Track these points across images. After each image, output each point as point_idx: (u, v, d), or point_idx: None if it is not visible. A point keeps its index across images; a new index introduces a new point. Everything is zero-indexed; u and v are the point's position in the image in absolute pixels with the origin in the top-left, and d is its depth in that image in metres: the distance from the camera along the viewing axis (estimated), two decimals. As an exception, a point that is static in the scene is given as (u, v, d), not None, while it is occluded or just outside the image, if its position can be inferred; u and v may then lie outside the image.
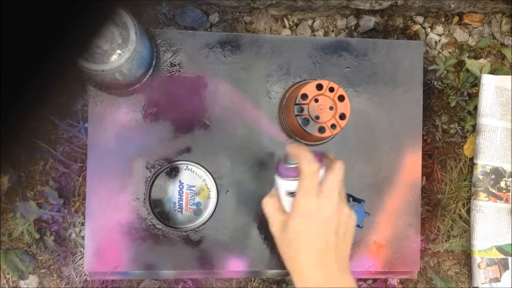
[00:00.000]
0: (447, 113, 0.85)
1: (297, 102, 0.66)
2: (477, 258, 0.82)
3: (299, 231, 0.55)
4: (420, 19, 0.85)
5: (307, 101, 0.67)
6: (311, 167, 0.55)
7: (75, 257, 0.77)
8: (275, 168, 0.60)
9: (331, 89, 0.67)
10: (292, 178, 0.57)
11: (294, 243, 0.55)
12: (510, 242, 0.82)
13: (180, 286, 0.77)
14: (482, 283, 0.82)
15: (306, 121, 0.67)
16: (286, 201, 0.58)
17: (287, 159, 0.59)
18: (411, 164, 0.78)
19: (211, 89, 0.75)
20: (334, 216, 0.55)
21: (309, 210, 0.55)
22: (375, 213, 0.77)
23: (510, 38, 0.87)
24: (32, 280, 0.77)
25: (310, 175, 0.55)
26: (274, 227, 0.58)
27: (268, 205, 0.59)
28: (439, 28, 0.86)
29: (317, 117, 0.67)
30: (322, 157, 0.59)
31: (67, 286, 0.77)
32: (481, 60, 0.86)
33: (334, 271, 0.55)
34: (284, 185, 0.58)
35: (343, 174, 0.58)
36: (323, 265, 0.55)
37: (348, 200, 0.70)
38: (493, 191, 0.82)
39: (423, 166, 0.80)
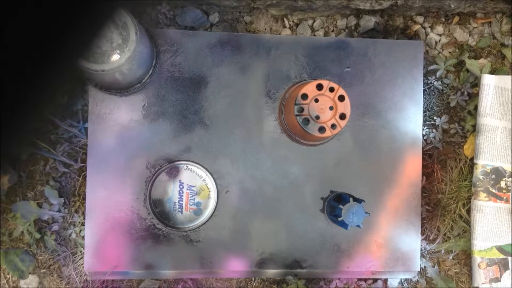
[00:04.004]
0: (447, 113, 0.85)
1: (297, 102, 0.66)
2: (477, 258, 0.82)
3: None
4: (420, 19, 0.85)
5: (307, 101, 0.67)
6: None
7: (75, 257, 0.77)
8: None
9: (331, 89, 0.67)
10: None
11: None
12: (510, 242, 0.82)
13: (180, 286, 0.77)
14: (482, 283, 0.82)
15: (306, 121, 0.67)
16: None
17: None
18: (411, 164, 0.78)
19: (211, 89, 0.75)
20: None
21: None
22: (375, 213, 0.77)
23: (510, 38, 0.87)
24: (32, 280, 0.77)
25: None
26: None
27: None
28: (439, 28, 0.86)
29: (317, 117, 0.67)
30: None
31: (67, 286, 0.77)
32: (481, 60, 0.86)
33: None
34: None
35: None
36: None
37: (348, 200, 0.70)
38: (493, 191, 0.82)
39: (423, 166, 0.80)
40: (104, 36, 0.60)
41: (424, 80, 0.81)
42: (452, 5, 0.82)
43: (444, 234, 0.83)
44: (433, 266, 0.83)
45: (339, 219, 0.70)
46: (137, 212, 0.74)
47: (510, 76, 0.83)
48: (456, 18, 0.86)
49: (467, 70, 0.85)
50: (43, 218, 0.76)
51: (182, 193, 0.75)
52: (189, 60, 0.75)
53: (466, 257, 0.84)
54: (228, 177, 0.75)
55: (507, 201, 0.82)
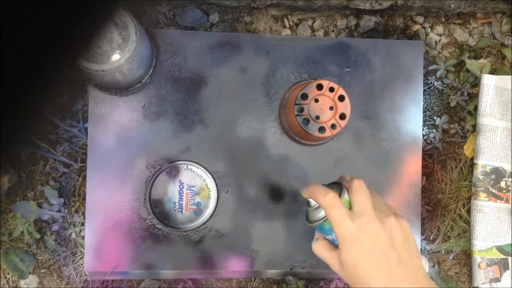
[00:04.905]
0: (447, 113, 0.85)
1: (297, 102, 0.66)
2: (477, 258, 0.82)
3: (355, 263, 0.51)
4: (420, 19, 0.85)
5: (307, 101, 0.67)
6: (327, 197, 0.53)
7: (75, 257, 0.77)
8: (306, 216, 0.59)
9: (331, 89, 0.67)
10: (322, 219, 0.55)
11: (357, 276, 0.51)
12: (510, 242, 0.82)
13: (180, 286, 0.77)
14: (482, 283, 0.82)
15: (306, 121, 0.67)
16: (331, 239, 0.57)
17: (308, 202, 0.57)
18: (411, 164, 0.78)
19: (211, 89, 0.75)
20: (380, 231, 0.51)
21: (352, 237, 0.51)
22: (375, 213, 0.77)
23: (510, 38, 0.87)
24: (32, 280, 0.77)
25: (331, 205, 0.52)
26: (335, 268, 0.54)
27: (318, 249, 0.56)
28: (439, 28, 0.86)
29: (317, 117, 0.67)
30: (340, 183, 0.58)
31: (67, 286, 0.77)
32: (481, 60, 0.86)
33: (408, 286, 0.49)
34: (319, 227, 0.57)
35: (366, 189, 0.55)
36: (396, 284, 0.49)
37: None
38: (493, 191, 0.82)
39: (423, 166, 0.80)
40: (104, 36, 0.60)
41: (424, 80, 0.81)
42: (452, 5, 0.82)
43: (444, 234, 0.83)
44: (433, 266, 0.83)
45: (339, 219, 0.70)
46: (137, 212, 0.74)
47: (510, 76, 0.83)
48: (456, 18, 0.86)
49: (467, 70, 0.85)
50: (43, 218, 0.76)
51: (182, 193, 0.75)
52: (189, 60, 0.75)
53: (466, 257, 0.84)
54: (228, 177, 0.75)
55: (507, 201, 0.82)
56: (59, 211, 0.77)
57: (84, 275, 0.76)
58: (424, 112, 0.82)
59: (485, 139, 0.82)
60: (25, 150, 0.76)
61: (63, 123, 0.75)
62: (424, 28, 0.86)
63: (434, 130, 0.84)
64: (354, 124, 0.77)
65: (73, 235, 0.77)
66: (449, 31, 0.86)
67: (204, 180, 0.75)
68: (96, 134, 0.73)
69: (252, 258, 0.76)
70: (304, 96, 0.67)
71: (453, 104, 0.84)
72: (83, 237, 0.76)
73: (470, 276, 0.84)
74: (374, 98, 0.78)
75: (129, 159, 0.74)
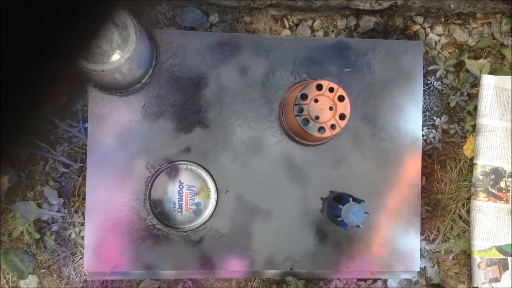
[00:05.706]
0: (447, 113, 0.85)
1: (297, 102, 0.66)
2: (477, 258, 0.82)
3: None
4: (420, 19, 0.85)
5: (307, 101, 0.67)
6: None
7: (75, 257, 0.77)
8: None
9: (331, 89, 0.67)
10: None
11: None
12: (510, 242, 0.82)
13: (180, 286, 0.77)
14: (482, 283, 0.82)
15: (306, 121, 0.67)
16: None
17: None
18: (411, 164, 0.79)
19: (211, 89, 0.75)
20: None
21: None
22: (375, 213, 0.77)
23: (510, 38, 0.87)
24: (32, 280, 0.77)
25: None
26: None
27: None
28: (439, 28, 0.86)
29: (317, 117, 0.67)
30: None
31: (67, 286, 0.77)
32: (481, 60, 0.86)
33: None
34: None
35: None
36: None
37: (348, 200, 0.71)
38: (493, 191, 0.82)
39: (423, 166, 0.80)
40: (104, 36, 0.60)
41: (424, 80, 0.81)
42: (452, 5, 0.82)
43: (444, 234, 0.83)
44: (433, 266, 0.83)
45: (339, 219, 0.70)
46: (136, 213, 0.74)
47: (509, 76, 0.83)
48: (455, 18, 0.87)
49: (467, 71, 0.85)
50: (42, 218, 0.76)
51: (182, 193, 0.75)
52: (189, 60, 0.75)
53: (465, 257, 0.84)
54: (228, 177, 0.75)
55: (506, 201, 0.82)
56: (58, 211, 0.77)
57: (84, 275, 0.76)
58: (423, 112, 0.82)
59: (485, 139, 0.82)
60: (25, 150, 0.76)
61: (63, 123, 0.75)
62: (424, 28, 0.86)
63: (433, 130, 0.84)
64: (354, 124, 0.77)
65: (73, 235, 0.77)
66: (448, 31, 0.86)
67: (204, 180, 0.75)
68: (96, 134, 0.73)
69: (252, 258, 0.76)
70: (304, 97, 0.67)
71: (452, 104, 0.84)
72: (82, 237, 0.76)
73: (469, 276, 0.84)
74: (374, 98, 0.78)
75: (129, 159, 0.74)
